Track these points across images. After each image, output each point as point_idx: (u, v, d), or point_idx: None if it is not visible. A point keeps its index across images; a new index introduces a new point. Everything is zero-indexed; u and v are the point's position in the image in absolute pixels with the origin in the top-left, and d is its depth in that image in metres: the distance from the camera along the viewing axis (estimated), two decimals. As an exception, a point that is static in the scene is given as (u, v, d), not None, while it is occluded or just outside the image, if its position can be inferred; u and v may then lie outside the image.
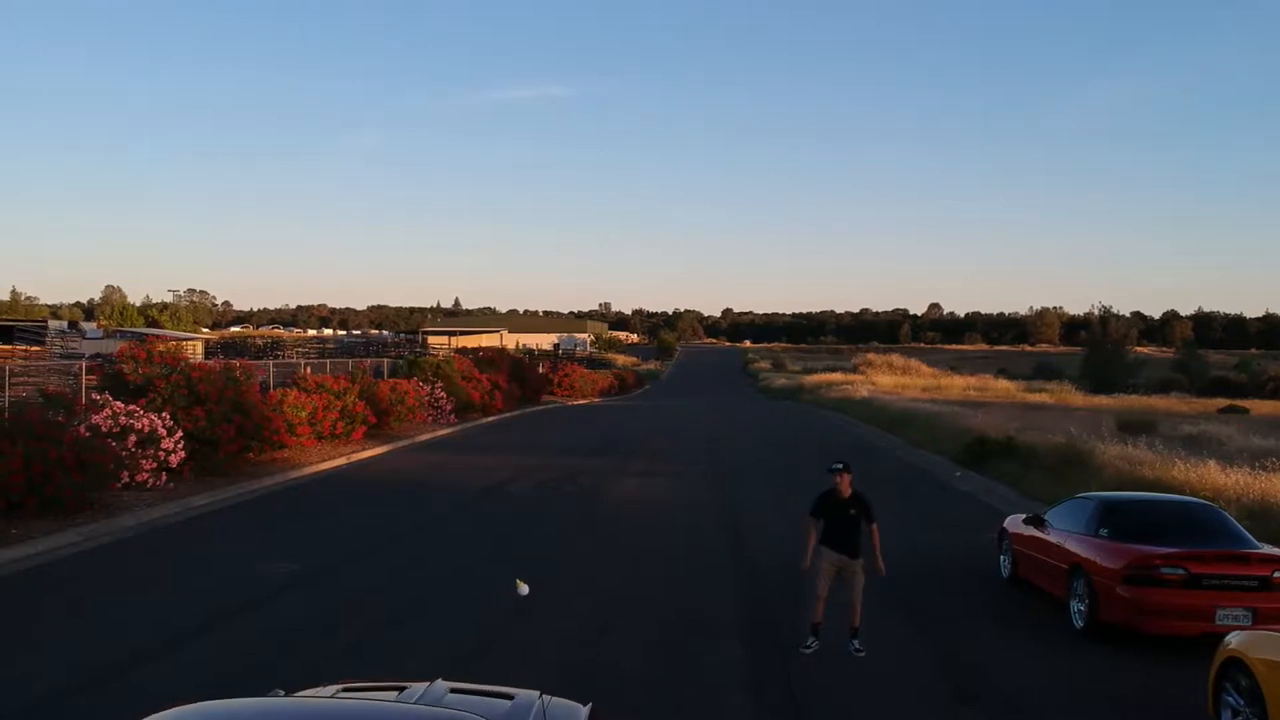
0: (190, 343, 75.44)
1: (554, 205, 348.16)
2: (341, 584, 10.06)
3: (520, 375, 43.02)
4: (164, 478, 15.76)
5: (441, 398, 31.47)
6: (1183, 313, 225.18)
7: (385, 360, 36.43)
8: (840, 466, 7.84)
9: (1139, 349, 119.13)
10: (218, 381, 17.71)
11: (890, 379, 63.10)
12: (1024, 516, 10.10)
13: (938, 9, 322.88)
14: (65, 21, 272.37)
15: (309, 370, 28.90)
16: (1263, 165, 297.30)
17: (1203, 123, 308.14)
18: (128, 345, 19.70)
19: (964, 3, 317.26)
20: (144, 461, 15.36)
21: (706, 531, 13.18)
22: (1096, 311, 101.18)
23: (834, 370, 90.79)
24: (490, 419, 34.72)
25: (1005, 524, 10.44)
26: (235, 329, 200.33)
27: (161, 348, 18.37)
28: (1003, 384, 60.33)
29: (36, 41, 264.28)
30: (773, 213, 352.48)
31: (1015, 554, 9.90)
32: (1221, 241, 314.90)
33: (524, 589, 6.48)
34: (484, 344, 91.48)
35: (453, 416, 31.72)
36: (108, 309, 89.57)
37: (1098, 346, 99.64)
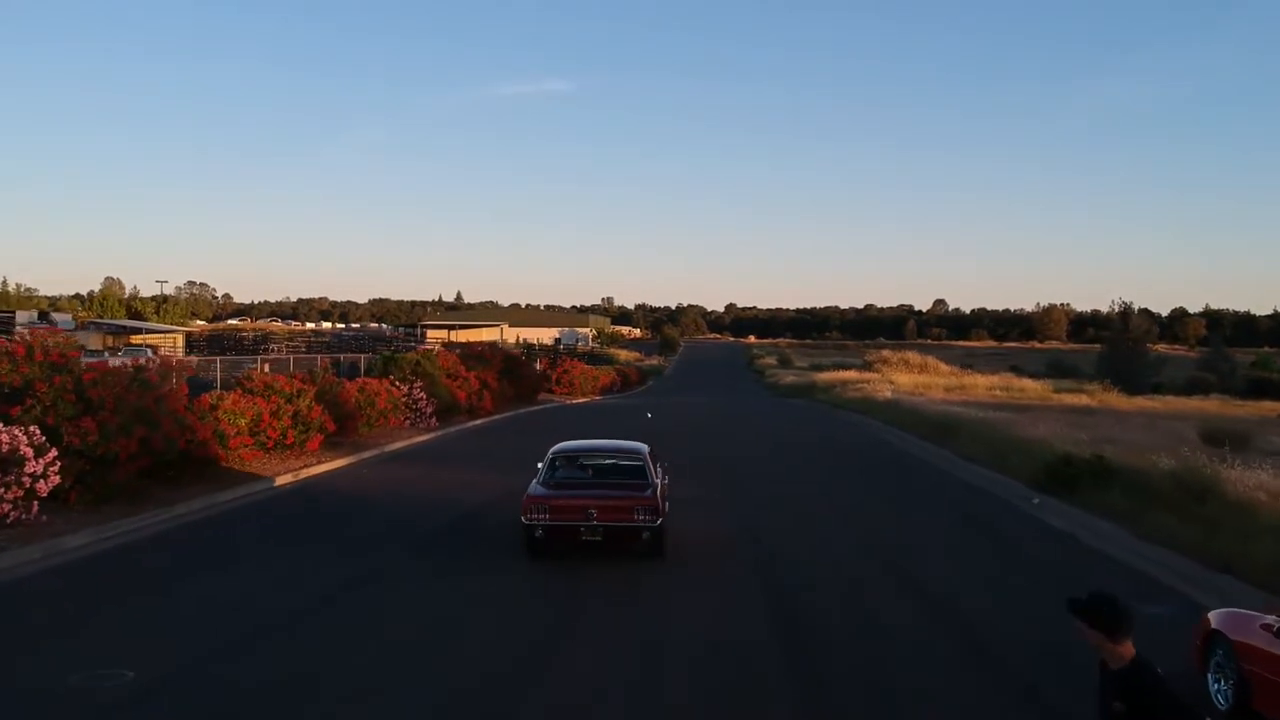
0: (172, 335, 72.02)
1: (557, 200, 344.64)
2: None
3: (514, 372, 39.45)
4: (35, 508, 12.22)
5: (421, 399, 27.92)
6: (1191, 310, 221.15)
7: (363, 356, 32.88)
8: (1088, 609, 3.70)
9: (1154, 347, 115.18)
10: (116, 385, 14.11)
11: (909, 377, 59.42)
12: (1265, 620, 6.38)
13: (942, 3, 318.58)
14: (72, 15, 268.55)
15: (267, 367, 25.39)
16: (1270, 161, 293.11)
17: (1209, 119, 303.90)
18: (22, 337, 15.99)
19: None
20: (1, 489, 11.83)
21: (742, 601, 9.58)
22: (1116, 308, 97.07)
23: (843, 367, 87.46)
24: (477, 422, 31.15)
25: (1219, 624, 6.71)
26: (234, 321, 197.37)
27: (52, 340, 14.71)
28: (1030, 384, 56.65)
29: (49, 34, 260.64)
30: (776, 207, 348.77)
31: (1249, 677, 6.26)
32: (1228, 238, 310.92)
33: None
34: (484, 338, 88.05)
35: (434, 420, 28.16)
36: (98, 301, 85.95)
37: (1117, 344, 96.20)
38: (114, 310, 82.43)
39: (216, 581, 10.04)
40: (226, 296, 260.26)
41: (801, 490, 17.33)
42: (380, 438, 24.07)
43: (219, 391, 18.67)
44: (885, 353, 77.97)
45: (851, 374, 67.45)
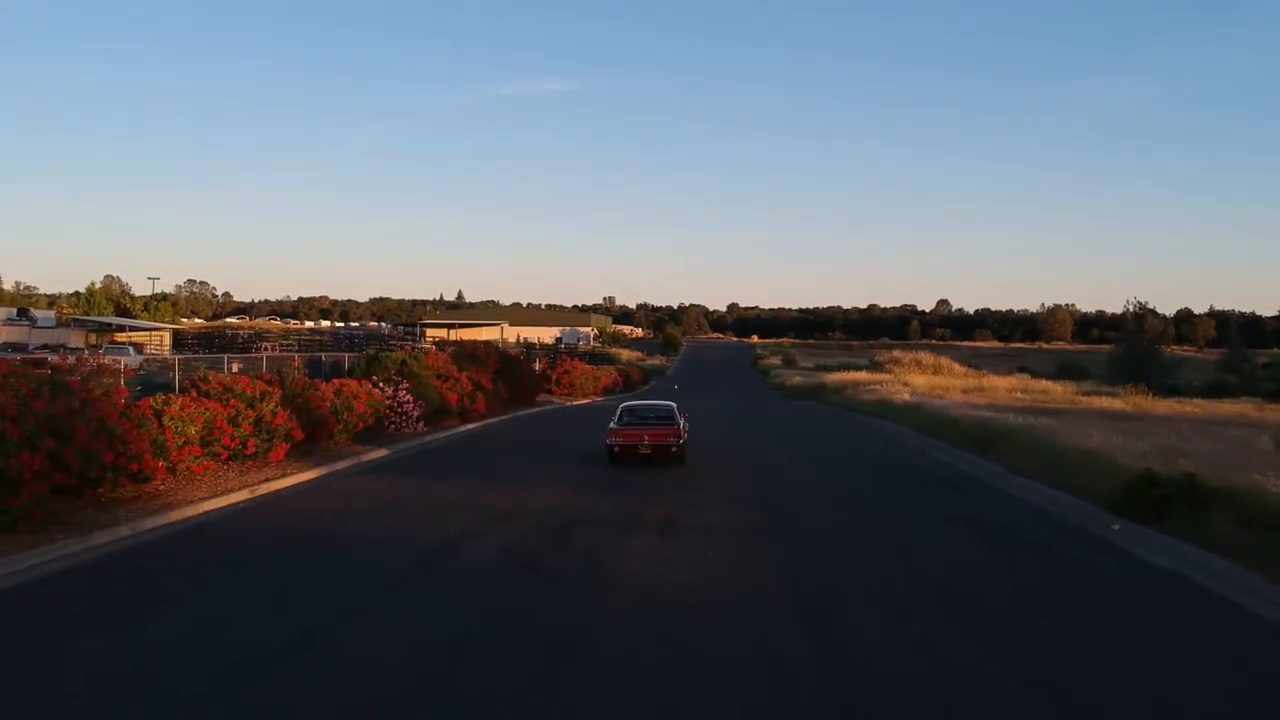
0: (159, 332, 69.57)
1: (558, 199, 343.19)
2: None
3: (510, 373, 37.10)
4: (-95, 543, 9.89)
5: (407, 402, 25.56)
6: (1196, 311, 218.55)
7: (346, 356, 30.52)
8: None
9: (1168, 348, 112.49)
10: (22, 389, 11.76)
11: (924, 379, 57.04)
12: None
13: (944, 3, 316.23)
14: (79, 17, 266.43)
15: (236, 366, 23.10)
16: (1276, 163, 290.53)
17: (1211, 120, 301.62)
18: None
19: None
20: None
21: (783, 667, 7.20)
22: (1131, 308, 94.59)
23: (850, 367, 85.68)
24: (469, 427, 28.78)
25: None
26: (232, 320, 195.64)
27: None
28: (1050, 386, 54.26)
29: (61, 32, 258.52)
30: (778, 207, 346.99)
31: None
32: (1233, 239, 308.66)
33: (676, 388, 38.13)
34: (484, 337, 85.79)
35: (420, 426, 25.80)
36: (84, 297, 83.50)
37: (1133, 345, 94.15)
38: (101, 307, 79.95)
39: (105, 641, 7.65)
40: (227, 295, 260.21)
41: (830, 507, 14.96)
42: (358, 446, 21.70)
43: (165, 395, 16.29)
44: (897, 353, 75.49)
45: (862, 375, 65.09)
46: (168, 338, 63.85)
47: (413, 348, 33.66)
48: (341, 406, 21.62)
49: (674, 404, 21.69)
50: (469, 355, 33.54)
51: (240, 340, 77.54)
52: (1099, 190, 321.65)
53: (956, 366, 67.48)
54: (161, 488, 14.70)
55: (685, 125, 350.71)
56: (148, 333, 62.80)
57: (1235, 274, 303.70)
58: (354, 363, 27.25)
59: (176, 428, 15.37)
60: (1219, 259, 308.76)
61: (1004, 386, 53.10)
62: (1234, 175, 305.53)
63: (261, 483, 16.12)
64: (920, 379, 56.52)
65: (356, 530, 12.62)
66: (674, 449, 19.15)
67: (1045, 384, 56.36)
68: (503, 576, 10.13)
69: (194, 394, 17.66)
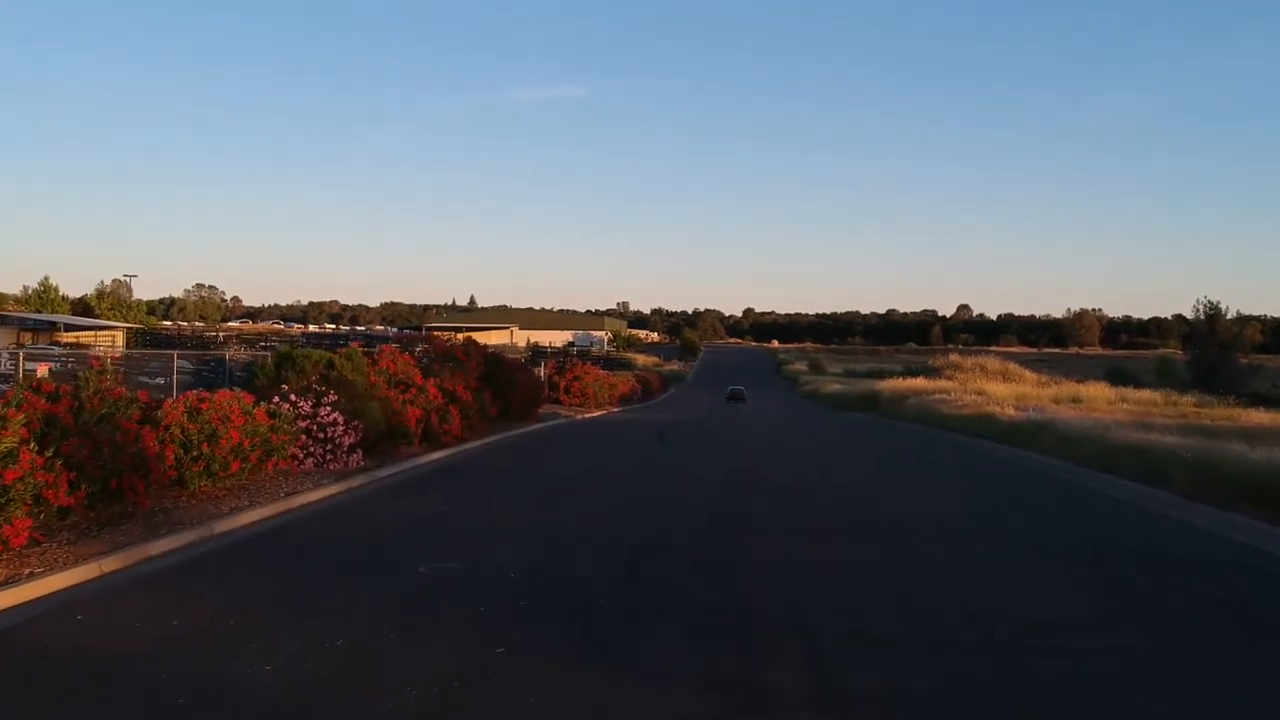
0: (109, 332, 61.50)
1: (571, 204, 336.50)
2: None
3: (502, 379, 28.46)
4: None
5: (334, 423, 17.03)
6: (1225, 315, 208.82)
7: (268, 356, 21.93)
8: None
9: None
10: None
11: (1000, 387, 48.17)
12: None
13: (959, 10, 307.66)
14: (88, 21, 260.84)
15: (46, 369, 15.00)
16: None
17: (1219, 123, 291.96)
18: None
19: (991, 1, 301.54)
20: None
21: None
22: (1201, 310, 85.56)
23: (881, 374, 78.06)
24: (434, 457, 20.10)
25: None
26: (234, 324, 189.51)
27: None
28: (1157, 395, 45.33)
29: (64, 38, 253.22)
30: (793, 212, 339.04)
31: None
32: (1245, 241, 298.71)
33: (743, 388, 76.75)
34: (493, 340, 77.74)
35: (355, 457, 17.22)
36: (36, 294, 75.87)
37: (1204, 349, 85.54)
38: (56, 304, 72.05)
39: None
40: (235, 299, 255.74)
41: None
42: (230, 498, 13.09)
43: None
44: (955, 357, 66.66)
45: (919, 382, 56.36)
46: (121, 337, 55.73)
47: (356, 344, 25.06)
48: (198, 437, 13.01)
49: (744, 385, 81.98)
50: (442, 356, 24.85)
51: (218, 342, 69.34)
52: (1112, 195, 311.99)
53: (1027, 373, 58.58)
54: None
55: (698, 130, 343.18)
56: (95, 332, 54.67)
57: (1254, 278, 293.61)
58: (260, 364, 18.59)
59: None
60: (1237, 263, 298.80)
61: (1102, 397, 44.22)
62: (1242, 175, 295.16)
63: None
64: (997, 388, 47.65)
65: None
66: (745, 399, 71.96)
67: (1145, 394, 47.48)
68: None
69: None
